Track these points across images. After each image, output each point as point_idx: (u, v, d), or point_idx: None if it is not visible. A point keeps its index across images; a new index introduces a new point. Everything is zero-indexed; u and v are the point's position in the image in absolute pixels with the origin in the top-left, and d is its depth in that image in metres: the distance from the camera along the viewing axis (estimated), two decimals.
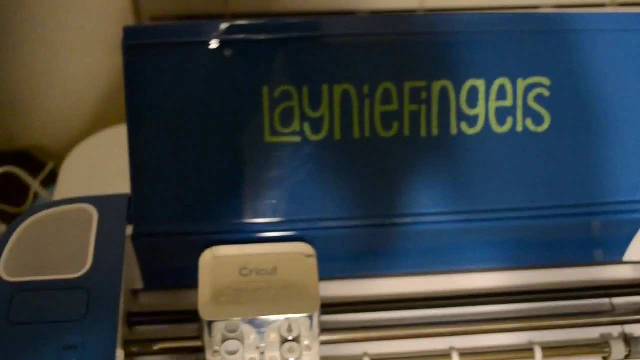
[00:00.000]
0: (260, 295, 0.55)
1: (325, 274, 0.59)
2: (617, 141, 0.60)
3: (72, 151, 0.81)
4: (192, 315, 0.57)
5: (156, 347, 0.57)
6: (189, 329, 0.59)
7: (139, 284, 0.61)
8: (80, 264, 0.55)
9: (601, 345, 0.59)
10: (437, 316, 0.61)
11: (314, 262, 0.57)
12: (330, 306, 0.60)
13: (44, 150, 1.08)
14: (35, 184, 0.92)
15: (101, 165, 0.78)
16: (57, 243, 0.57)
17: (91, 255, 0.55)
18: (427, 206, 0.59)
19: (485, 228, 0.60)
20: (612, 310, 0.63)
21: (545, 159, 0.59)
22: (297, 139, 0.58)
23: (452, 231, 0.60)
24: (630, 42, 0.59)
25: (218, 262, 0.57)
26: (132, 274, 0.60)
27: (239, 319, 0.54)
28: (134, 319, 0.59)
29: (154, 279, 0.61)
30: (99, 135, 0.82)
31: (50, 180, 0.97)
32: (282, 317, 0.54)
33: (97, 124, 1.02)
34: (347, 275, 0.63)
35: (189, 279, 0.58)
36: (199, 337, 0.56)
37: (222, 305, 0.54)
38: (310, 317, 0.54)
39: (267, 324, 0.54)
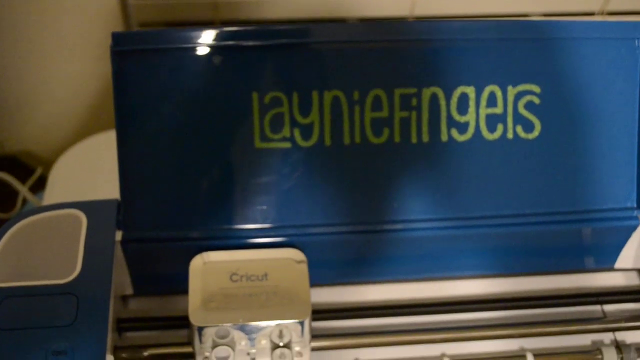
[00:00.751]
0: (251, 301, 0.55)
1: (316, 280, 0.59)
2: (608, 148, 0.60)
3: (61, 157, 0.81)
4: (182, 321, 0.57)
5: (146, 353, 0.56)
6: (179, 335, 0.58)
7: (129, 290, 0.61)
8: (69, 269, 0.54)
9: (593, 352, 0.59)
10: (428, 322, 0.61)
11: (304, 268, 0.57)
12: (321, 312, 0.60)
13: (33, 155, 1.07)
14: (24, 190, 0.92)
15: (90, 171, 0.77)
16: (46, 248, 0.56)
17: (80, 261, 0.55)
18: (418, 213, 0.59)
19: (476, 235, 0.60)
20: (603, 317, 0.63)
21: (536, 166, 0.59)
22: (287, 144, 0.58)
23: (443, 238, 0.60)
24: (619, 50, 0.59)
25: (208, 267, 0.57)
26: (121, 280, 0.60)
27: (229, 324, 0.53)
28: (123, 324, 0.59)
29: (144, 285, 0.61)
30: (88, 141, 0.82)
31: (39, 186, 0.96)
32: (273, 323, 0.54)
33: (86, 129, 1.02)
34: (338, 281, 0.63)
35: (179, 285, 0.57)
36: (190, 343, 0.56)
37: (212, 311, 0.54)
38: (301, 323, 0.54)
39: (257, 329, 0.54)
